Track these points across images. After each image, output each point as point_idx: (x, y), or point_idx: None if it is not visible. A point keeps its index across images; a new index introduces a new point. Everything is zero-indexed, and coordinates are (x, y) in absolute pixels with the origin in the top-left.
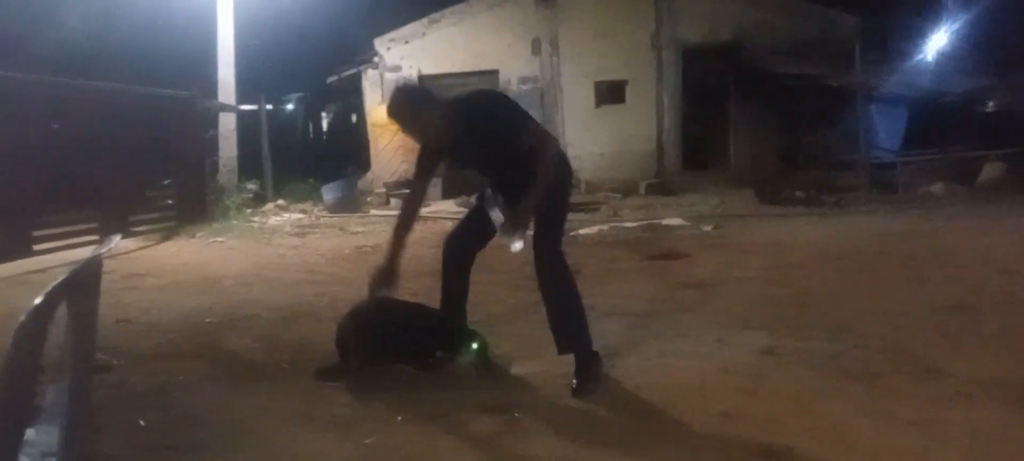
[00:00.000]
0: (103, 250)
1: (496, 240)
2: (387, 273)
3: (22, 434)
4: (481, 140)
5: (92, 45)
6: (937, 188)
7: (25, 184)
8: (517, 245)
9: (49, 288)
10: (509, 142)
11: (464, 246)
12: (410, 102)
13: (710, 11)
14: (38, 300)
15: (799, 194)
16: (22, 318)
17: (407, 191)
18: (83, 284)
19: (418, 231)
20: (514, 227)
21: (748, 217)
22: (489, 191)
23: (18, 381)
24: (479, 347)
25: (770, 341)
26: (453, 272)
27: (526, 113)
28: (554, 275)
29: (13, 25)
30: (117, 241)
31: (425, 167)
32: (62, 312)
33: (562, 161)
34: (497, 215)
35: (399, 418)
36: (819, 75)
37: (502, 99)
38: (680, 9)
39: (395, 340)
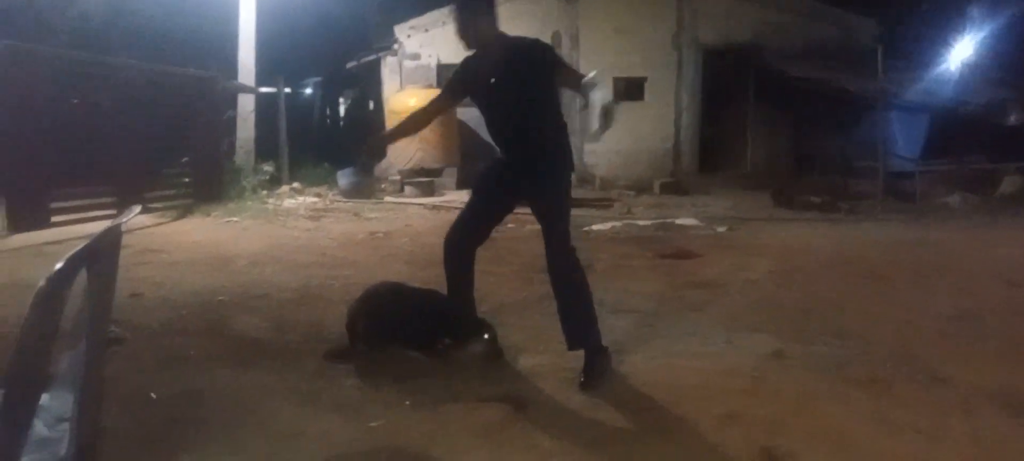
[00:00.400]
0: (123, 220)
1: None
2: (378, 145)
3: (38, 398)
4: (512, 84)
5: (116, 22)
6: (954, 199)
7: (44, 157)
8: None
9: (69, 254)
10: (533, 104)
11: (464, 240)
12: (479, 4)
13: (730, 12)
14: (58, 265)
15: (814, 199)
16: (41, 283)
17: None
18: (103, 253)
19: (429, 220)
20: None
21: (761, 220)
22: (591, 74)
23: (35, 346)
24: (489, 337)
25: (777, 344)
26: (456, 266)
27: (557, 99)
28: (566, 269)
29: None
30: (137, 212)
31: (451, 91)
32: (79, 281)
33: (566, 153)
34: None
35: (406, 403)
36: (838, 80)
37: (552, 64)
38: (701, 9)
39: (404, 325)
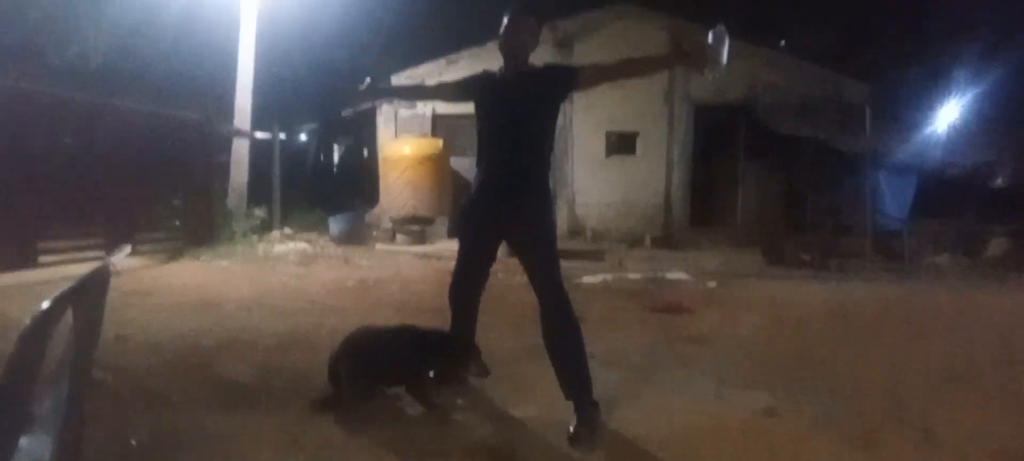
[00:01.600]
0: (113, 259)
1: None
2: (374, 91)
3: (17, 440)
4: (526, 105)
5: (116, 63)
6: (943, 259)
7: (34, 196)
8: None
9: (57, 293)
10: (538, 131)
11: (470, 289)
12: (537, 21)
13: (723, 69)
14: (45, 304)
15: (804, 257)
16: (27, 321)
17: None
18: (91, 292)
19: (420, 268)
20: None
21: (752, 276)
22: (718, 28)
23: (17, 386)
24: (474, 356)
25: (768, 399)
26: (462, 317)
27: (553, 138)
28: (562, 317)
29: (38, 37)
30: (127, 251)
31: (458, 85)
32: (64, 321)
33: (550, 191)
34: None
35: (392, 453)
36: (828, 138)
37: (556, 108)
38: None
39: (385, 362)
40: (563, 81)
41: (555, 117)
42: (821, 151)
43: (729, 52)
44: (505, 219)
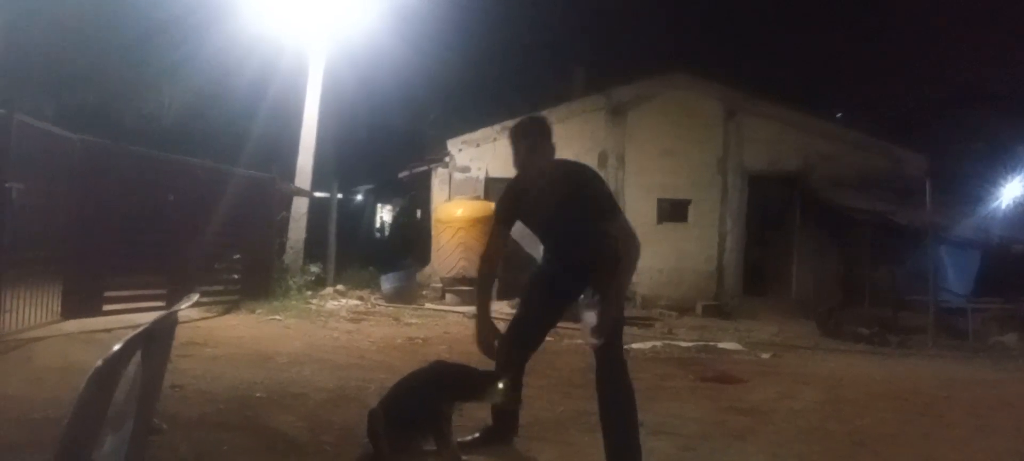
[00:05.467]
0: (180, 307)
1: (582, 336)
2: (487, 329)
3: None
4: (566, 205)
5: (187, 122)
6: (1009, 338)
7: (104, 246)
8: (596, 342)
9: (128, 336)
10: (591, 220)
11: (516, 350)
12: (544, 131)
13: (777, 139)
14: (117, 346)
15: (863, 331)
16: (99, 362)
17: (489, 247)
18: (159, 337)
19: (468, 328)
20: (601, 330)
21: (808, 349)
22: (584, 295)
23: (86, 425)
24: (504, 386)
25: None
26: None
27: (617, 205)
28: (620, 388)
29: (115, 98)
30: (195, 298)
31: (504, 222)
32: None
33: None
34: (589, 317)
35: None
36: (887, 211)
37: (600, 181)
38: (747, 136)
39: (417, 402)
40: (602, 214)
41: (604, 201)
42: (880, 224)
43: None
44: (578, 290)
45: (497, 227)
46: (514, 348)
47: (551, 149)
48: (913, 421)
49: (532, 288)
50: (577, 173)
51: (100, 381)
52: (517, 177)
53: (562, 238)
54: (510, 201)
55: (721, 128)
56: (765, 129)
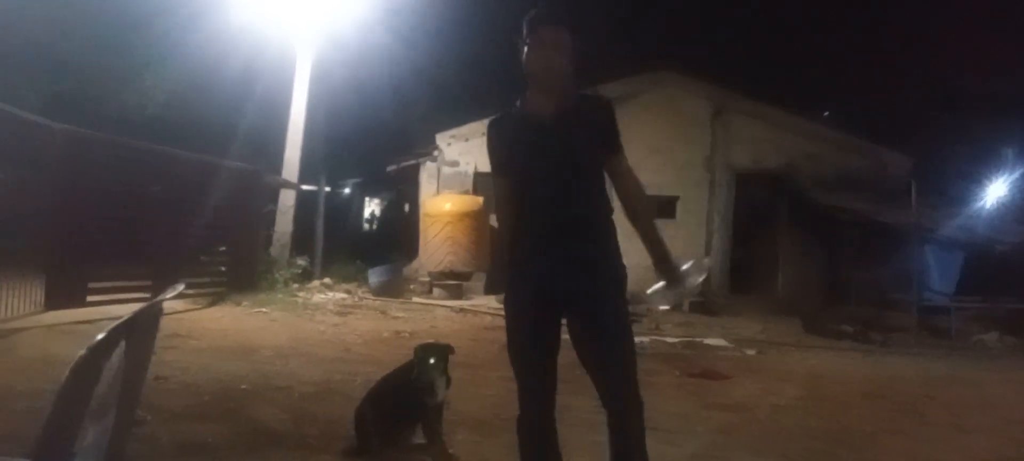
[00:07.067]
0: (165, 297)
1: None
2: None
3: None
4: (580, 137)
5: (172, 112)
6: (990, 337)
7: (87, 236)
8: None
9: (112, 326)
10: (599, 157)
11: (538, 411)
12: (572, 33)
13: (763, 138)
14: (100, 335)
15: (846, 328)
16: (82, 351)
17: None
18: (143, 327)
19: (456, 323)
20: (673, 286)
21: (791, 346)
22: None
23: (68, 415)
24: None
25: None
26: (538, 451)
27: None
28: (637, 418)
29: (95, 85)
30: (180, 289)
31: (499, 170)
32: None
33: (625, 273)
34: (656, 291)
35: None
36: (871, 211)
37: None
38: (734, 135)
39: (403, 393)
40: (606, 146)
41: (615, 137)
42: (864, 223)
43: (699, 284)
44: (569, 303)
45: (497, 185)
46: (530, 411)
47: (577, 57)
48: (894, 418)
49: (515, 327)
50: (595, 102)
51: (82, 372)
52: (553, 64)
53: (545, 208)
54: (498, 143)
55: (708, 126)
56: (751, 128)
